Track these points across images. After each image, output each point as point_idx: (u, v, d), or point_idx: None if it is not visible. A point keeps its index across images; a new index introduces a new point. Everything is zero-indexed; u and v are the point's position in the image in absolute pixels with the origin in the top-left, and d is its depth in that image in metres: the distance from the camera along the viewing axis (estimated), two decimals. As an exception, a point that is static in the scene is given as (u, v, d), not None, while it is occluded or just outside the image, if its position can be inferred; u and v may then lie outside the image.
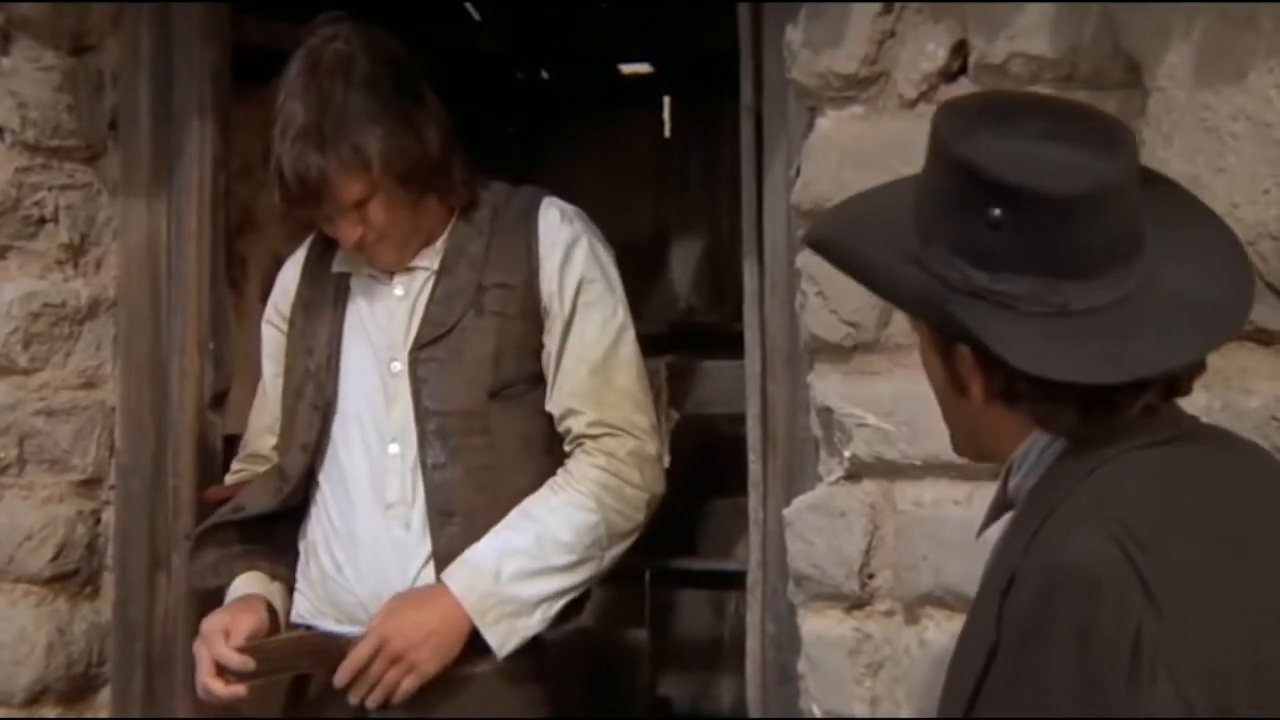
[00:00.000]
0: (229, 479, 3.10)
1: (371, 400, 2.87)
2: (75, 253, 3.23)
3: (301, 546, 2.94)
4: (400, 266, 2.90)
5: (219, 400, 3.27)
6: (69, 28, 3.19)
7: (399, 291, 2.90)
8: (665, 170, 5.31)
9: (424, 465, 2.81)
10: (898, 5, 2.51)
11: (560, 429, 2.85)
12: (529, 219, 2.89)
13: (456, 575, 2.76)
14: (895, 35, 2.52)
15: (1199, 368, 1.73)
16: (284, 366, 2.98)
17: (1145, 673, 1.51)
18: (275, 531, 2.95)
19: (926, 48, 2.50)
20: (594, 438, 2.82)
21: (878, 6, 2.51)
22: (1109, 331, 1.64)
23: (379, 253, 2.87)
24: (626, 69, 5.50)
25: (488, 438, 2.83)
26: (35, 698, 3.16)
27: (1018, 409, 1.70)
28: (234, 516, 2.95)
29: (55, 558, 3.17)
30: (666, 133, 5.44)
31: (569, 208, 2.94)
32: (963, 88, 2.45)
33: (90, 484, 3.23)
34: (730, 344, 2.95)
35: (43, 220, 3.19)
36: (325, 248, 2.99)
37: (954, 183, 1.67)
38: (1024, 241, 1.63)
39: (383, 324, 2.89)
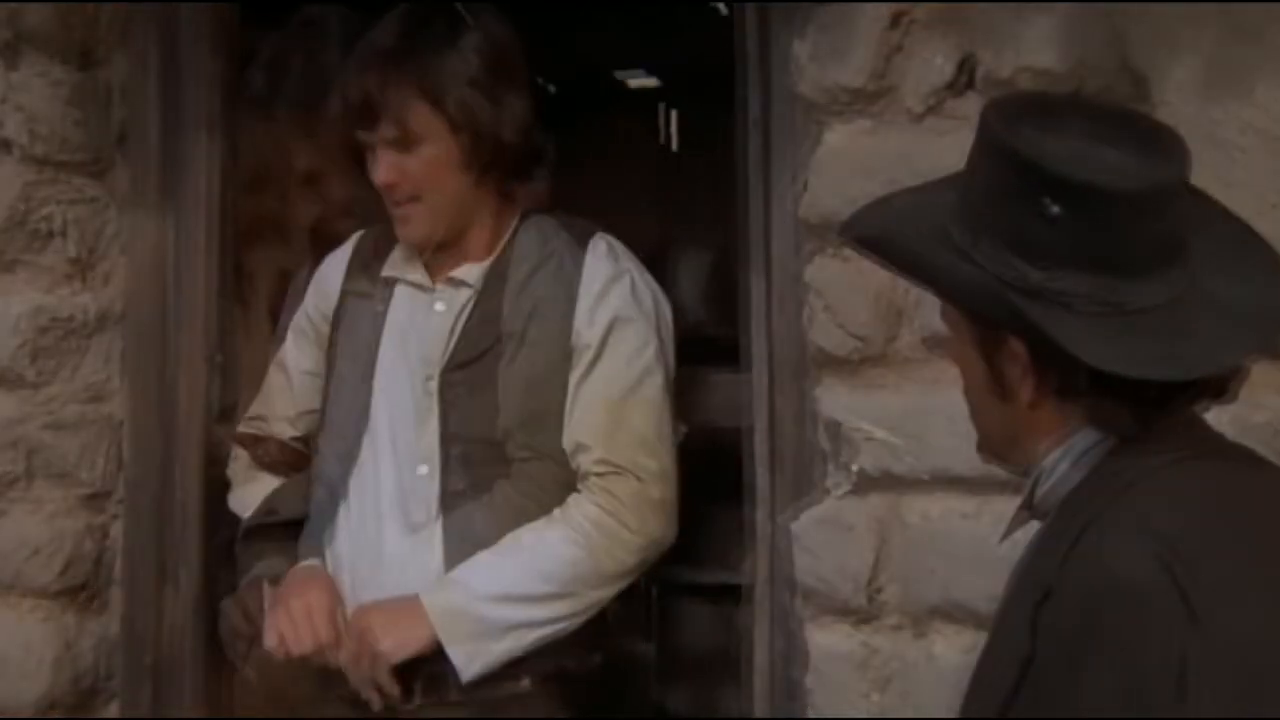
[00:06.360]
0: (242, 428, 3.08)
1: (404, 416, 2.82)
2: (82, 266, 3.23)
3: (329, 555, 2.90)
4: (427, 244, 2.83)
5: (226, 414, 3.27)
6: (76, 41, 3.19)
7: (440, 307, 2.84)
8: (671, 182, 5.32)
9: (445, 490, 2.78)
10: (905, 20, 2.51)
11: (571, 465, 2.80)
12: (576, 252, 2.84)
13: (429, 589, 2.74)
14: (902, 49, 2.52)
15: (1243, 374, 1.73)
16: (324, 368, 2.95)
17: (1191, 692, 1.51)
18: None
19: (934, 61, 2.50)
20: (599, 475, 2.77)
21: (885, 20, 2.51)
22: (1162, 331, 1.64)
23: (409, 215, 2.79)
24: (632, 82, 5.51)
25: (510, 468, 2.78)
26: (43, 711, 3.16)
27: (1071, 407, 1.69)
28: (268, 520, 2.94)
29: (63, 571, 3.17)
30: (673, 145, 5.45)
31: (619, 246, 2.89)
32: (970, 102, 2.46)
33: (98, 498, 3.23)
34: (737, 357, 2.94)
35: (50, 234, 3.19)
36: (374, 252, 2.94)
37: (1009, 177, 1.65)
38: (1081, 238, 1.62)
39: (421, 338, 2.84)
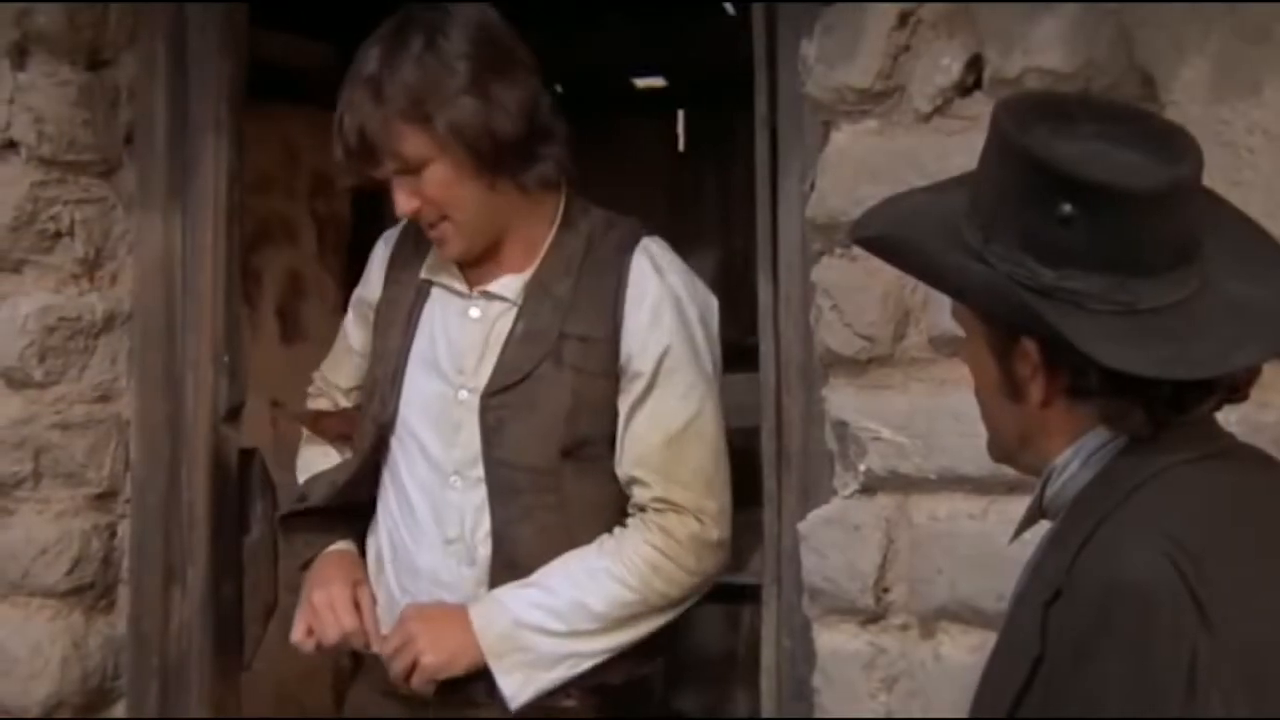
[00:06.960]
0: (311, 389, 3.07)
1: (435, 425, 2.79)
2: (90, 266, 3.23)
3: (371, 553, 2.89)
4: (467, 258, 2.79)
5: (234, 414, 3.27)
6: (85, 42, 3.19)
7: (475, 313, 2.80)
8: (680, 184, 5.31)
9: (493, 517, 2.73)
10: (912, 20, 2.51)
11: (625, 491, 2.75)
12: (620, 263, 2.76)
13: (477, 608, 2.72)
14: (910, 49, 2.52)
15: (1255, 374, 1.73)
16: (369, 355, 2.93)
17: (1200, 695, 1.51)
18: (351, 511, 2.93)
19: (941, 62, 2.50)
20: (658, 512, 2.72)
21: (892, 21, 2.51)
22: (1176, 331, 1.63)
23: (443, 235, 2.74)
24: (640, 82, 5.50)
25: (558, 496, 2.73)
26: (51, 711, 3.16)
27: (1083, 407, 1.68)
28: (297, 507, 2.94)
29: (70, 571, 3.17)
30: (681, 146, 5.44)
31: (664, 255, 2.81)
32: (978, 102, 2.46)
33: (105, 498, 3.23)
34: (745, 358, 2.94)
35: (58, 234, 3.19)
36: (415, 249, 2.89)
37: (1022, 178, 1.65)
38: (1095, 238, 1.62)
39: (452, 344, 2.80)
